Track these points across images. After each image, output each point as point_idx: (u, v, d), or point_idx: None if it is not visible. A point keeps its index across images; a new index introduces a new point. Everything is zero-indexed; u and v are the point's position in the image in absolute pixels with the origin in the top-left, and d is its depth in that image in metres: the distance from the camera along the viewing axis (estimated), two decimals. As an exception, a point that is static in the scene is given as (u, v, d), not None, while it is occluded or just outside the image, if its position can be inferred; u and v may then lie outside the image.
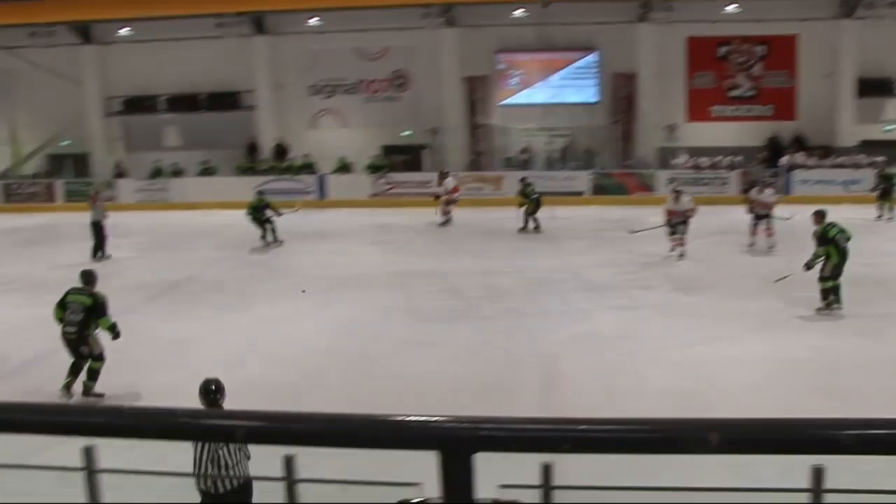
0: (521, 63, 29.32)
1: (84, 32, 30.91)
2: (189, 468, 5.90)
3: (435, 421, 1.79)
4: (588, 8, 27.42)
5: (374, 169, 28.42)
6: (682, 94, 28.79)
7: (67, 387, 10.20)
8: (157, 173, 30.11)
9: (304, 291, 15.23)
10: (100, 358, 10.32)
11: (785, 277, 13.66)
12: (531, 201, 21.66)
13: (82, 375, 10.26)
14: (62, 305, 10.40)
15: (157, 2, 27.46)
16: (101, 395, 10.20)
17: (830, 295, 12.89)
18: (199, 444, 6.03)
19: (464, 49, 28.96)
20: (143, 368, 11.12)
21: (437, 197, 23.76)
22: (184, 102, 30.86)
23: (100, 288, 10.63)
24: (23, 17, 28.17)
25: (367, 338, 12.44)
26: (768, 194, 18.37)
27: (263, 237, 20.64)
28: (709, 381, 10.03)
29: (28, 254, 20.55)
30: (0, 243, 21.59)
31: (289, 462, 2.91)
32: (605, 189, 27.06)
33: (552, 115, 29.13)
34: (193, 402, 6.44)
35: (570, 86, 29.08)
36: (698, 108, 28.71)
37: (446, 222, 23.47)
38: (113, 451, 3.11)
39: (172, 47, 29.73)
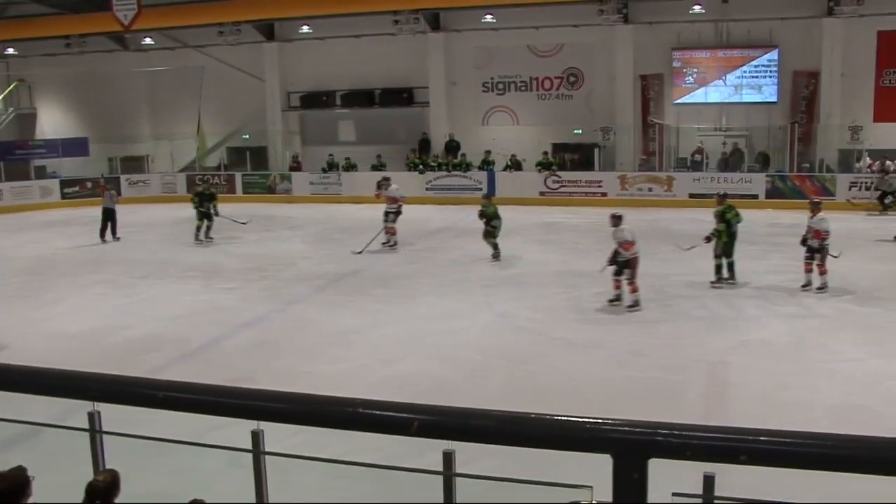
0: (698, 60, 28.51)
1: (268, 30, 32.36)
2: (352, 457, 5.99)
3: (610, 424, 1.78)
4: (769, 3, 26.64)
5: (544, 167, 28.32)
6: (869, 93, 27.21)
7: None
8: (330, 167, 30.99)
9: None
10: None
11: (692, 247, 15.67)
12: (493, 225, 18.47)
13: None
14: None
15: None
16: None
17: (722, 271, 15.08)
18: None
19: (639, 46, 28.53)
20: (305, 356, 11.51)
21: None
22: (358, 98, 31.79)
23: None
24: (214, 17, 29.79)
25: (529, 337, 12.46)
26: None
27: (198, 229, 21.37)
28: (885, 398, 9.49)
29: (205, 243, 21.48)
30: (180, 231, 22.64)
31: (447, 458, 2.93)
32: (780, 193, 26.01)
33: (728, 115, 28.32)
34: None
35: (748, 84, 28.11)
36: (887, 108, 27.01)
37: (392, 243, 20.22)
38: (275, 435, 3.24)
39: (349, 44, 30.88)
